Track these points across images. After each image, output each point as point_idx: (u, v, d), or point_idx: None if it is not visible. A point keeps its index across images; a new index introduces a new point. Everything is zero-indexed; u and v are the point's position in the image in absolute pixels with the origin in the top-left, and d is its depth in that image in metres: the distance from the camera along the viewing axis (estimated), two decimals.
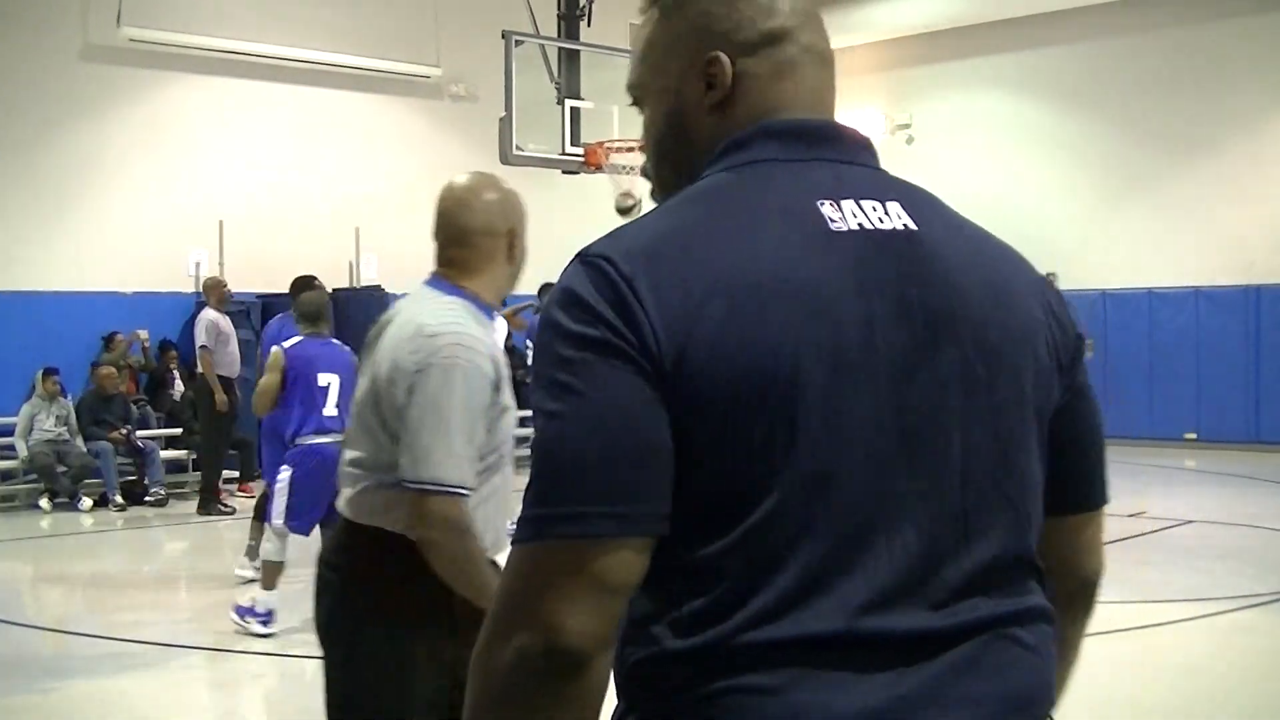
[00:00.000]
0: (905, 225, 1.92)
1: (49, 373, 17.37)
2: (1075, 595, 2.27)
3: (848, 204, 1.90)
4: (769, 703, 1.70)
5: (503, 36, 17.40)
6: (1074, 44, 24.96)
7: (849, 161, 2.00)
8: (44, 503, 16.99)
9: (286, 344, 10.54)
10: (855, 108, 27.67)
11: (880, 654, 1.74)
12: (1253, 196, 22.88)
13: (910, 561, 1.79)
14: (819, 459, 1.76)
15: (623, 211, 17.17)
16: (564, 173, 18.91)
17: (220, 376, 16.27)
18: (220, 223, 20.05)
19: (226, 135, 20.69)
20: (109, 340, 18.73)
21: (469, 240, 4.17)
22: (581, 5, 18.84)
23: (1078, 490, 2.19)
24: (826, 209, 1.88)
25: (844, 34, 26.93)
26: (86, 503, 17.10)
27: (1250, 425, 22.73)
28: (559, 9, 18.88)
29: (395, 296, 20.40)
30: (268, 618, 9.82)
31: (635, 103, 2.28)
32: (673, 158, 2.14)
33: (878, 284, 1.84)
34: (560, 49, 18.34)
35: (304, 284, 12.63)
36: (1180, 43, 23.70)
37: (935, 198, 2.06)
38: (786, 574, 1.73)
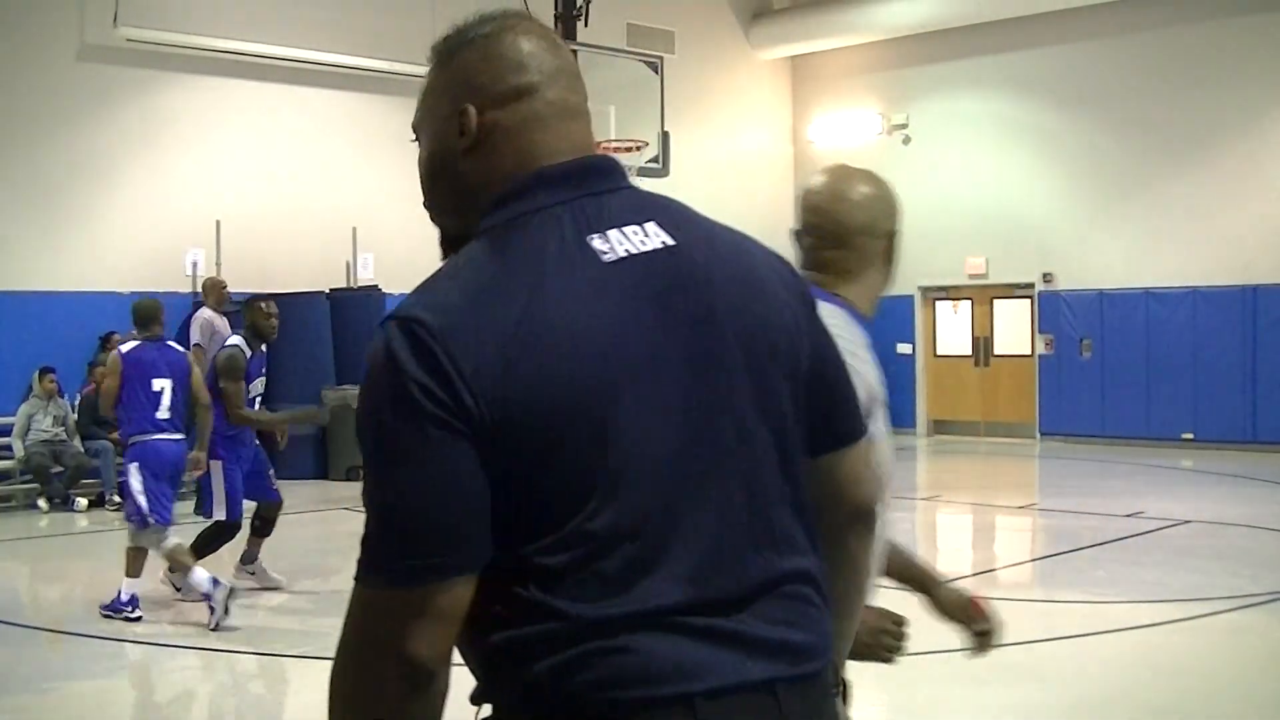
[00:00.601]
0: (664, 242, 2.23)
1: (46, 372, 17.38)
2: (852, 520, 2.50)
3: (613, 234, 2.20)
4: (614, 659, 2.06)
5: None
6: (1071, 44, 24.97)
7: (608, 190, 2.28)
8: (42, 503, 17.00)
9: (124, 348, 10.84)
10: (852, 108, 27.75)
11: (698, 615, 2.09)
12: (1249, 196, 22.89)
13: (712, 537, 2.13)
14: (630, 467, 2.09)
15: None
16: None
17: None
18: (217, 223, 20.04)
19: (223, 135, 20.69)
20: (106, 340, 18.70)
21: (849, 241, 3.82)
22: (579, 5, 18.87)
23: (838, 428, 2.44)
24: (596, 243, 2.18)
25: (840, 34, 27.05)
26: (82, 503, 17.09)
27: (1247, 425, 22.75)
28: (556, 9, 18.90)
29: (392, 296, 20.47)
30: (132, 604, 10.34)
31: (415, 139, 2.54)
32: (438, 192, 2.49)
33: (649, 301, 2.16)
34: None
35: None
36: (1177, 43, 23.72)
37: (687, 209, 2.38)
38: (614, 562, 2.07)
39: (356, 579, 2.09)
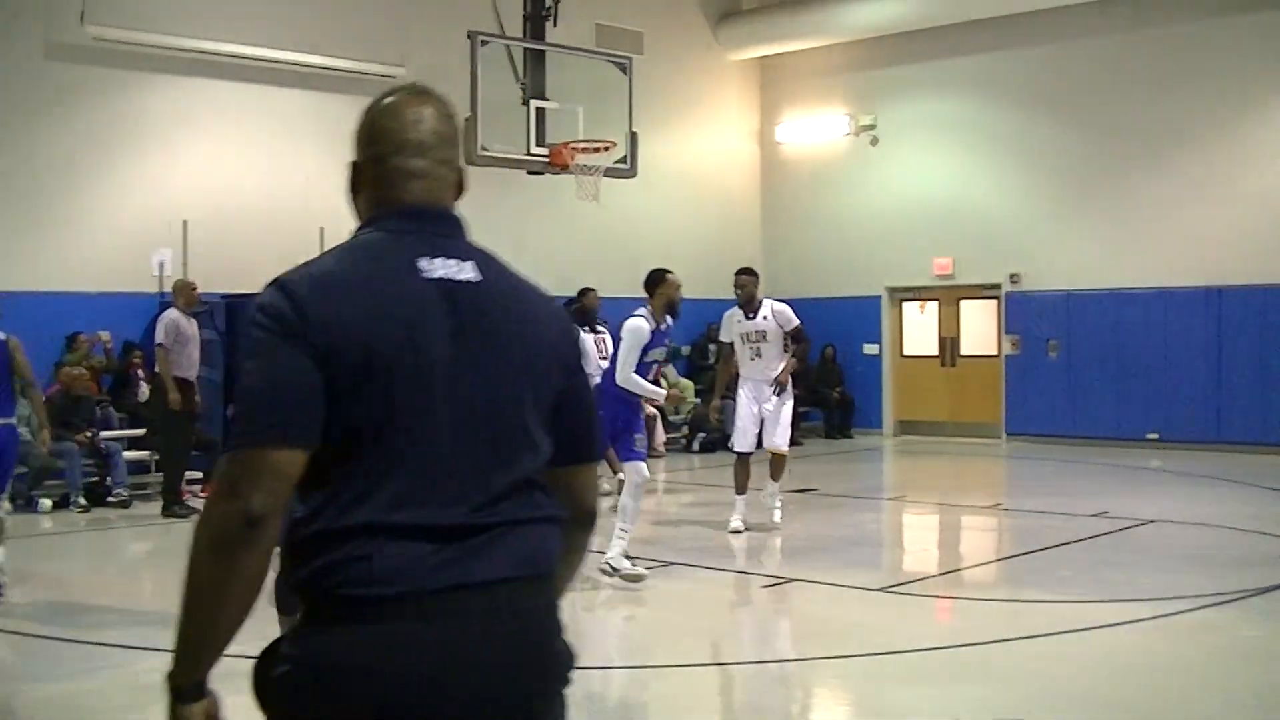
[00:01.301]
0: (474, 278, 3.20)
1: None
2: (580, 519, 3.38)
3: (437, 261, 3.17)
4: (374, 560, 2.91)
5: (468, 37, 17.40)
6: (1039, 46, 25.05)
7: (445, 235, 3.29)
8: (5, 503, 16.91)
9: None
10: (820, 109, 27.80)
11: (440, 535, 2.97)
12: (1215, 198, 22.99)
13: (462, 483, 3.03)
14: (406, 418, 2.99)
15: None
16: (529, 173, 18.92)
17: (177, 378, 16.21)
18: (184, 223, 19.97)
19: (191, 135, 20.60)
20: (71, 341, 18.65)
21: None
22: (547, 6, 18.85)
23: (578, 448, 3.31)
24: (422, 262, 3.15)
25: (809, 35, 27.10)
26: (46, 504, 17.02)
27: (1212, 425, 22.84)
28: (525, 9, 18.88)
29: None
30: None
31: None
32: (355, 210, 3.49)
33: (450, 312, 3.10)
34: (526, 49, 18.35)
35: None
36: (1144, 45, 23.80)
37: (498, 260, 3.35)
38: (387, 487, 2.96)
39: (223, 447, 3.00)
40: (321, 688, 2.92)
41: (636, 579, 11.42)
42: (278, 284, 3.09)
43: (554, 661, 3.23)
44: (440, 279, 3.13)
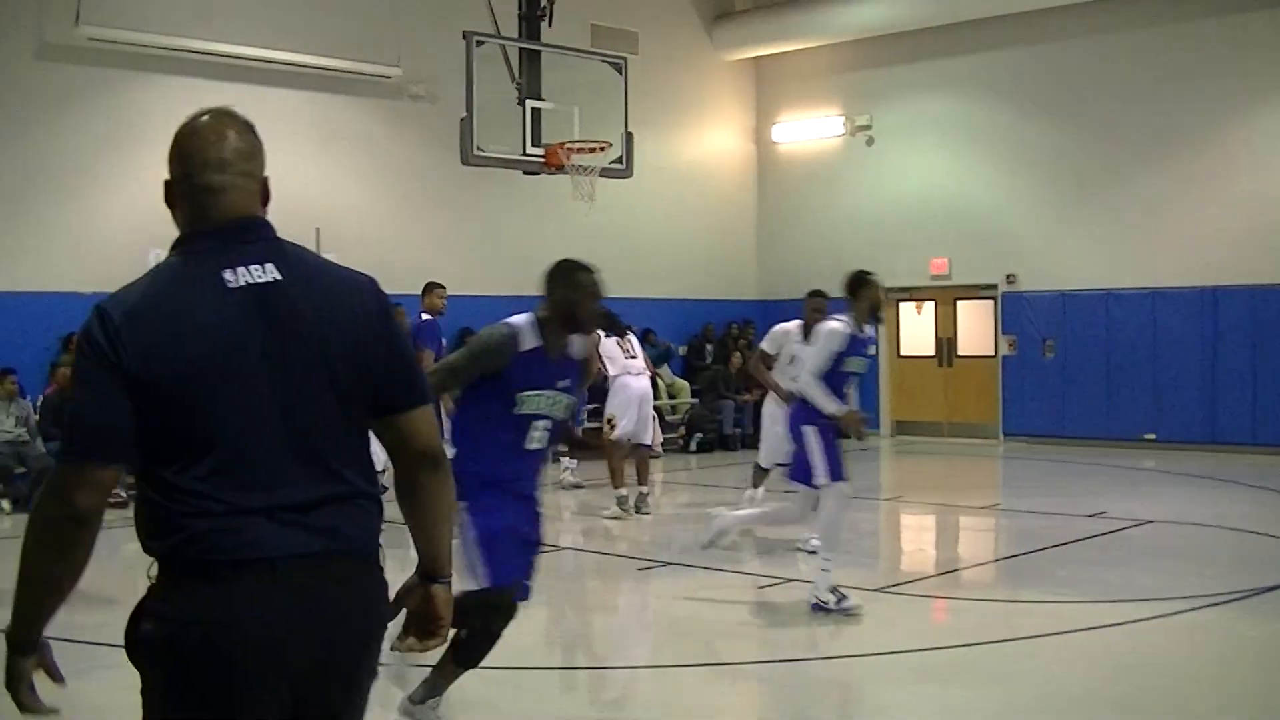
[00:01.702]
0: (274, 278, 3.60)
1: (6, 373, 17.25)
2: (420, 461, 3.76)
3: (240, 269, 3.58)
4: (227, 534, 3.45)
5: (463, 37, 17.40)
6: (1033, 46, 25.05)
7: (248, 243, 3.67)
8: (4, 504, 16.89)
9: None
10: (815, 109, 27.79)
11: (279, 513, 3.49)
12: (1210, 198, 22.99)
13: (291, 468, 3.52)
14: (234, 418, 3.48)
15: None
16: (525, 173, 18.93)
17: None
18: None
19: None
20: (68, 341, 18.61)
21: None
22: (542, 6, 18.84)
23: (399, 396, 3.71)
24: (227, 274, 3.56)
25: (803, 36, 27.11)
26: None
27: (1207, 426, 22.85)
28: (520, 9, 18.87)
29: None
30: None
31: None
32: (176, 222, 3.83)
33: (257, 313, 3.53)
34: (521, 49, 18.34)
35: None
36: (1139, 45, 23.81)
37: (304, 252, 3.81)
38: (231, 475, 3.47)
39: (55, 458, 3.67)
40: (185, 639, 3.50)
41: (852, 611, 10.39)
42: (97, 311, 3.52)
43: (372, 620, 3.70)
44: (245, 285, 3.56)
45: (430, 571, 3.84)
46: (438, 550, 3.84)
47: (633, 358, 16.58)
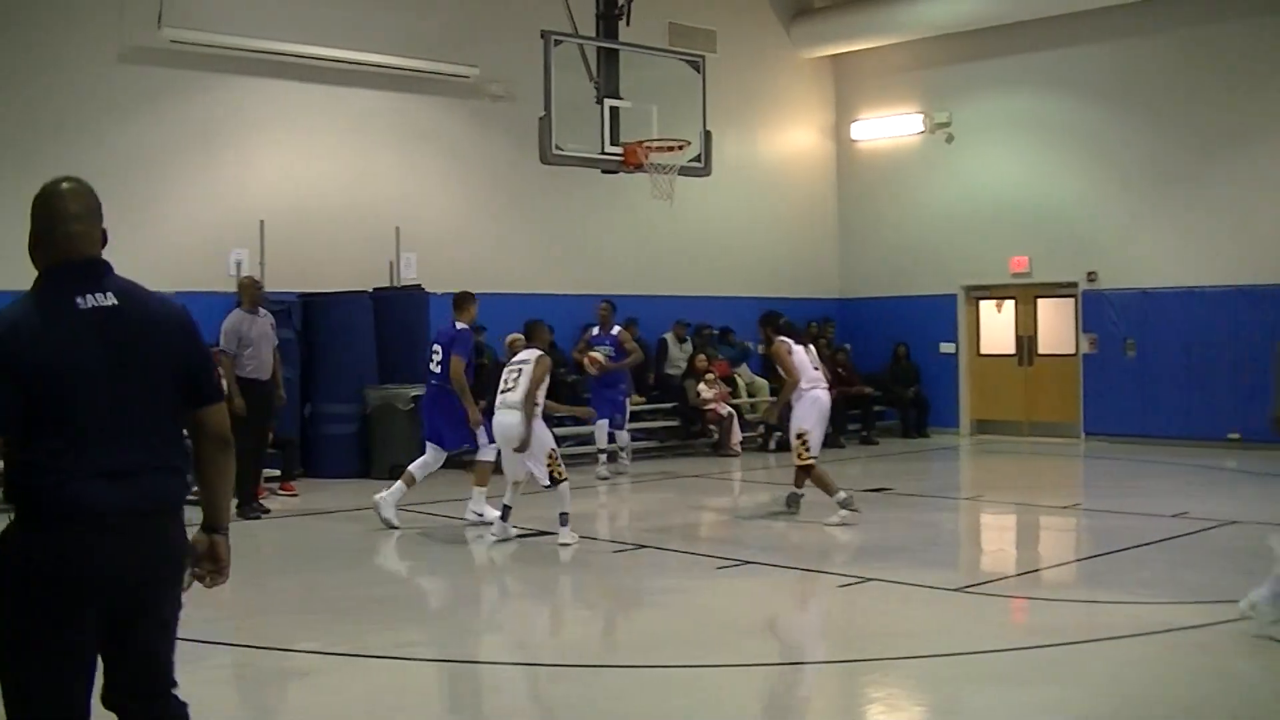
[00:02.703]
0: (114, 303, 4.88)
1: None
2: (215, 443, 5.18)
3: (89, 296, 4.85)
4: (64, 493, 4.66)
5: (541, 36, 17.41)
6: (1113, 41, 24.88)
7: (96, 276, 4.96)
8: None
9: None
10: (894, 107, 27.70)
11: (113, 478, 4.72)
12: None
13: (121, 445, 4.77)
14: (80, 407, 4.70)
15: None
16: (603, 172, 18.91)
17: (247, 379, 16.12)
18: (261, 223, 20.12)
19: (266, 135, 20.75)
20: None
21: None
22: (620, 4, 18.82)
23: (203, 394, 5.11)
24: (78, 300, 4.82)
25: (882, 33, 27.03)
26: None
27: None
28: (597, 8, 18.86)
29: (436, 296, 20.49)
30: None
31: None
32: (33, 260, 4.99)
33: (100, 329, 4.80)
34: (599, 48, 18.33)
35: None
36: (1219, 39, 23.60)
37: (134, 285, 5.09)
38: (76, 445, 4.68)
39: None
40: (30, 569, 4.68)
41: None
42: None
43: (176, 561, 5.03)
44: (92, 308, 4.85)
45: (213, 523, 5.25)
46: (219, 508, 5.26)
47: (818, 369, 15.95)
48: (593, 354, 20.00)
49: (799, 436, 15.30)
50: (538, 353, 13.87)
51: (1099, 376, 25.06)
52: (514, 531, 14.14)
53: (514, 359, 14.20)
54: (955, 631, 9.99)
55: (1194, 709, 8.00)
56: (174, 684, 5.25)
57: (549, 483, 13.62)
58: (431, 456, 15.37)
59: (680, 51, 20.37)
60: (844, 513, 15.10)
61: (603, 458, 20.16)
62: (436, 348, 15.67)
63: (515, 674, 9.00)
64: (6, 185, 18.50)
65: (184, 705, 5.29)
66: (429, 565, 12.54)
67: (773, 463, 22.32)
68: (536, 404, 13.57)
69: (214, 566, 5.25)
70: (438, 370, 15.49)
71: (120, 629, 4.88)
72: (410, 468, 15.25)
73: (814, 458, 15.28)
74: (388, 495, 15.03)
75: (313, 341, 20.12)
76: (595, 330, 20.83)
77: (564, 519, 13.63)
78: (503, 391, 13.78)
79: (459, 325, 15.58)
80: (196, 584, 5.25)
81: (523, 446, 13.50)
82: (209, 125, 20.18)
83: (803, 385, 15.40)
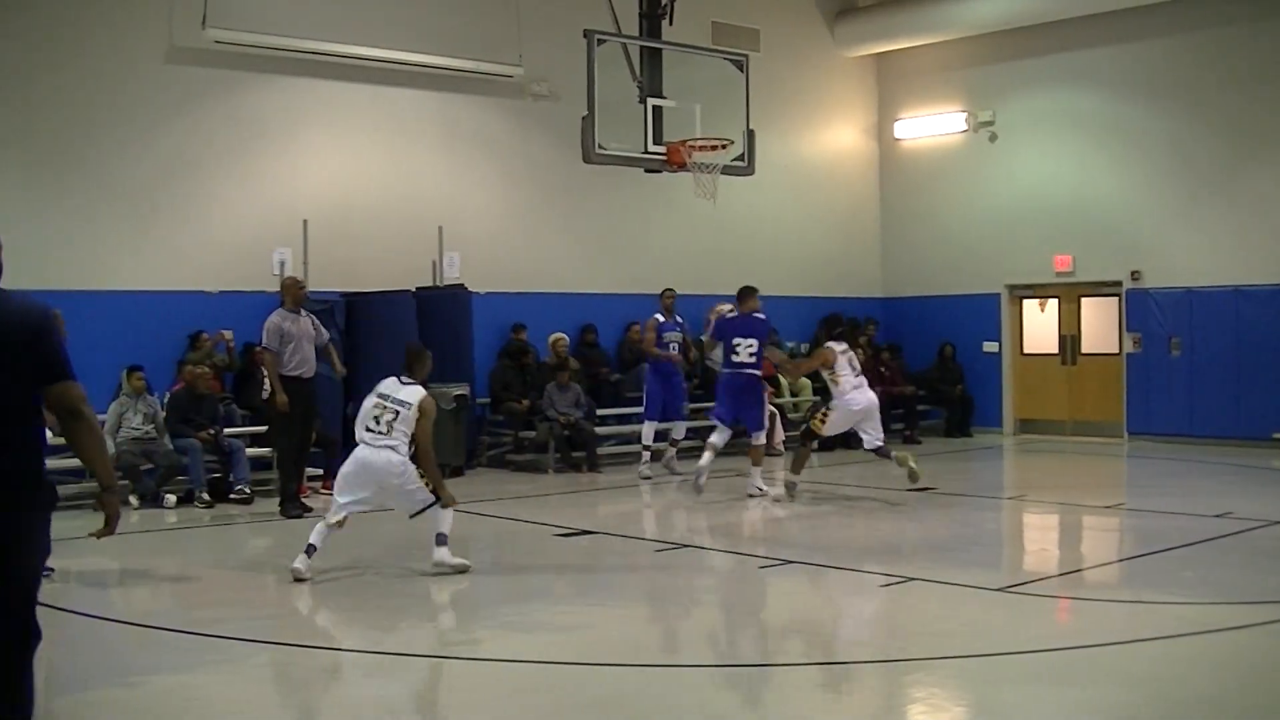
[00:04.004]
0: None
1: (134, 370, 17.50)
2: (67, 415, 6.02)
3: None
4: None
5: (584, 35, 17.43)
6: (1156, 39, 24.78)
7: None
8: (132, 499, 17.14)
9: None
10: (938, 105, 27.63)
11: None
12: None
13: None
14: None
15: None
16: (646, 171, 18.92)
17: (290, 376, 16.19)
18: (304, 222, 20.19)
19: (310, 135, 20.83)
20: (194, 339, 18.88)
21: None
22: (663, 4, 18.83)
23: (48, 376, 5.95)
24: None
25: (925, 32, 26.98)
26: (171, 499, 17.24)
27: None
28: (640, 8, 18.87)
29: (479, 296, 20.55)
30: None
31: None
32: None
33: None
34: (642, 47, 18.34)
35: None
36: (1264, 38, 23.50)
37: (4, 291, 5.89)
38: None
39: None
40: None
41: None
42: None
43: (31, 529, 5.93)
44: None
45: (101, 483, 6.38)
46: (96, 470, 6.39)
47: (859, 374, 17.27)
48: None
49: (823, 414, 17.18)
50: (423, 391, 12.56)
51: (1143, 376, 24.96)
52: None
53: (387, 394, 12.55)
54: (997, 631, 9.98)
55: (1240, 710, 7.97)
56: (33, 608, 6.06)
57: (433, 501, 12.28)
58: (719, 437, 17.65)
59: (723, 50, 20.35)
60: (781, 491, 17.36)
61: (646, 455, 20.13)
62: (751, 340, 17.62)
63: (558, 672, 9.01)
64: (60, 186, 18.74)
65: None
66: (475, 564, 12.57)
67: (815, 462, 22.28)
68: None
69: (107, 518, 6.44)
70: (750, 359, 17.57)
71: None
72: (713, 440, 17.59)
73: (821, 432, 17.24)
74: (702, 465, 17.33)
75: (355, 341, 20.16)
76: (661, 317, 20.75)
77: (443, 538, 12.32)
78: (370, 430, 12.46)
79: (759, 316, 17.65)
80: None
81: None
82: (253, 125, 20.28)
83: (843, 387, 16.90)
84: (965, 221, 27.47)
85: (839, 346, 17.03)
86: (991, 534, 15.62)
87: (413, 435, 12.14)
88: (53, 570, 11.95)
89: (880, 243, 28.93)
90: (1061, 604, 11.43)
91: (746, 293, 18.13)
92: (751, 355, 17.58)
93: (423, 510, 12.28)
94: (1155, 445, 24.08)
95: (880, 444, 17.06)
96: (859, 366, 17.29)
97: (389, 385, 12.46)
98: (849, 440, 18.32)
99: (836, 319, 18.02)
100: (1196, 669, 8.84)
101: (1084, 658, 9.14)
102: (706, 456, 17.38)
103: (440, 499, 12.22)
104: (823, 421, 17.17)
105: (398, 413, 12.16)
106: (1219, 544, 13.62)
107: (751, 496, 17.42)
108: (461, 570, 12.23)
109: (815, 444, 17.76)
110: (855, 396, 16.95)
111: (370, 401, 12.44)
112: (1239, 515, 15.30)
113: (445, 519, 12.26)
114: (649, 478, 19.70)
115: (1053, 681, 8.53)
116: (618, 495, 18.82)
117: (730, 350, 17.76)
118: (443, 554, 12.22)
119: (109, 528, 6.41)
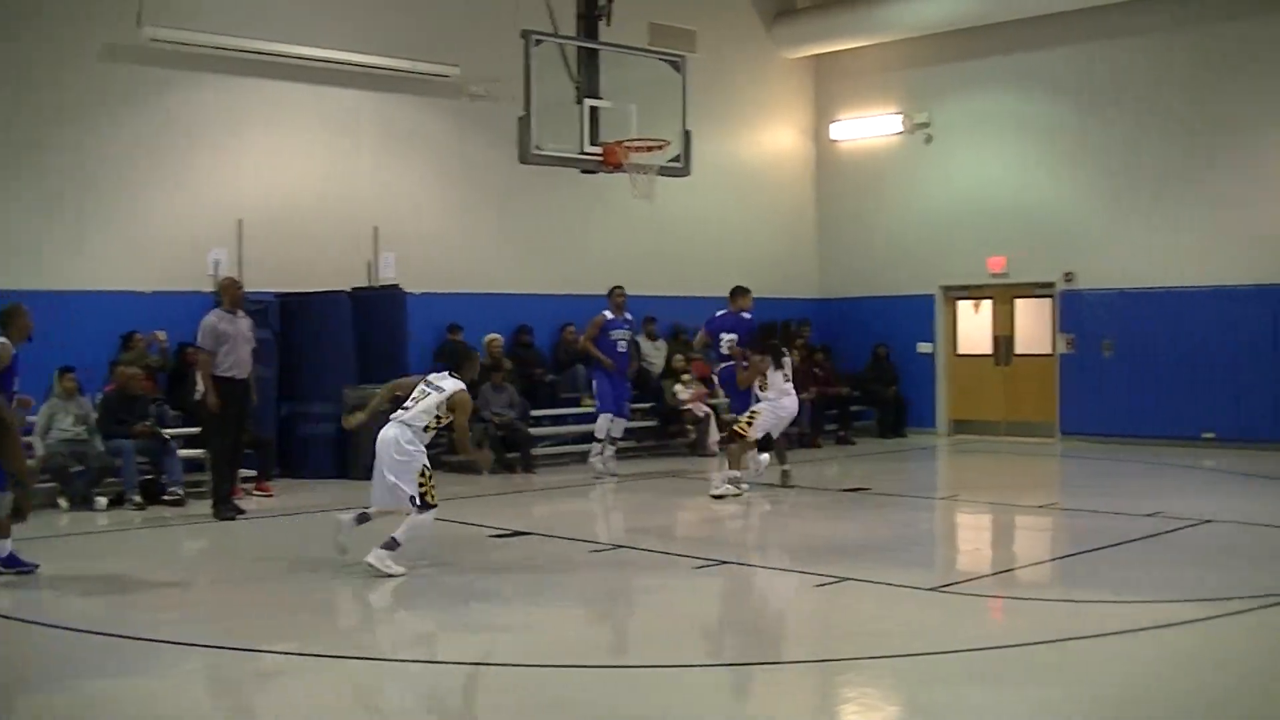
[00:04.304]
0: None
1: (65, 371, 17.36)
2: None
3: None
4: None
5: (522, 36, 17.42)
6: (1092, 42, 24.96)
7: None
8: (62, 502, 17.01)
9: None
10: (874, 107, 27.73)
11: None
12: (1270, 194, 22.90)
13: None
14: None
15: None
16: (583, 171, 18.94)
17: (224, 377, 16.08)
18: (239, 222, 20.10)
19: (246, 135, 20.72)
20: (127, 340, 18.75)
21: None
22: (601, 5, 18.85)
23: None
24: None
25: (863, 33, 27.09)
26: (102, 502, 17.11)
27: (1270, 424, 22.70)
28: (578, 8, 18.89)
29: (414, 296, 20.48)
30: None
31: None
32: None
33: None
34: (579, 48, 18.35)
35: None
36: (1197, 41, 23.70)
37: None
38: None
39: None
40: None
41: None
42: None
43: None
44: None
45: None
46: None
47: (789, 380, 17.98)
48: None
49: (750, 415, 17.59)
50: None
51: (1076, 376, 25.13)
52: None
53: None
54: (931, 631, 10.02)
55: (1173, 705, 8.04)
56: None
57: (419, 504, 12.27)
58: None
59: (661, 51, 20.36)
60: (729, 488, 17.47)
61: (609, 450, 20.09)
62: (733, 335, 18.75)
63: (489, 674, 9.01)
64: None
65: None
66: (407, 565, 12.52)
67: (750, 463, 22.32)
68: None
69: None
70: (728, 353, 18.79)
71: None
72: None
73: (748, 436, 17.56)
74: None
75: (291, 341, 20.09)
76: (610, 314, 20.56)
77: (392, 543, 12.22)
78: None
79: (746, 315, 18.83)
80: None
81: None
82: (188, 124, 20.15)
83: (770, 395, 17.61)
84: (901, 223, 27.58)
85: (769, 359, 17.73)
86: (925, 534, 15.69)
87: (437, 419, 12.42)
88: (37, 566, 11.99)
89: (816, 243, 29.00)
90: (995, 603, 11.49)
91: (737, 292, 19.35)
92: (730, 349, 18.78)
93: (397, 511, 12.36)
94: (1088, 445, 24.24)
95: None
96: (790, 373, 17.87)
97: (436, 375, 12.82)
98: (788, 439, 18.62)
99: (772, 327, 18.76)
100: (1130, 666, 8.90)
101: (1016, 657, 9.20)
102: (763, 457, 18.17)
103: (424, 507, 12.18)
104: (750, 423, 17.55)
105: (430, 395, 12.50)
106: (1150, 543, 13.73)
107: (718, 498, 17.45)
108: (390, 576, 12.14)
109: (756, 448, 17.88)
110: (785, 402, 17.69)
111: (417, 388, 12.78)
112: (1170, 514, 15.41)
113: (418, 526, 12.23)
114: (604, 472, 19.71)
115: (986, 681, 8.58)
116: (553, 496, 18.81)
117: (717, 344, 19.08)
118: (381, 556, 12.13)
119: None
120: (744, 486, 17.62)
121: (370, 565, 12.08)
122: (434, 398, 12.44)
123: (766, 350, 17.76)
